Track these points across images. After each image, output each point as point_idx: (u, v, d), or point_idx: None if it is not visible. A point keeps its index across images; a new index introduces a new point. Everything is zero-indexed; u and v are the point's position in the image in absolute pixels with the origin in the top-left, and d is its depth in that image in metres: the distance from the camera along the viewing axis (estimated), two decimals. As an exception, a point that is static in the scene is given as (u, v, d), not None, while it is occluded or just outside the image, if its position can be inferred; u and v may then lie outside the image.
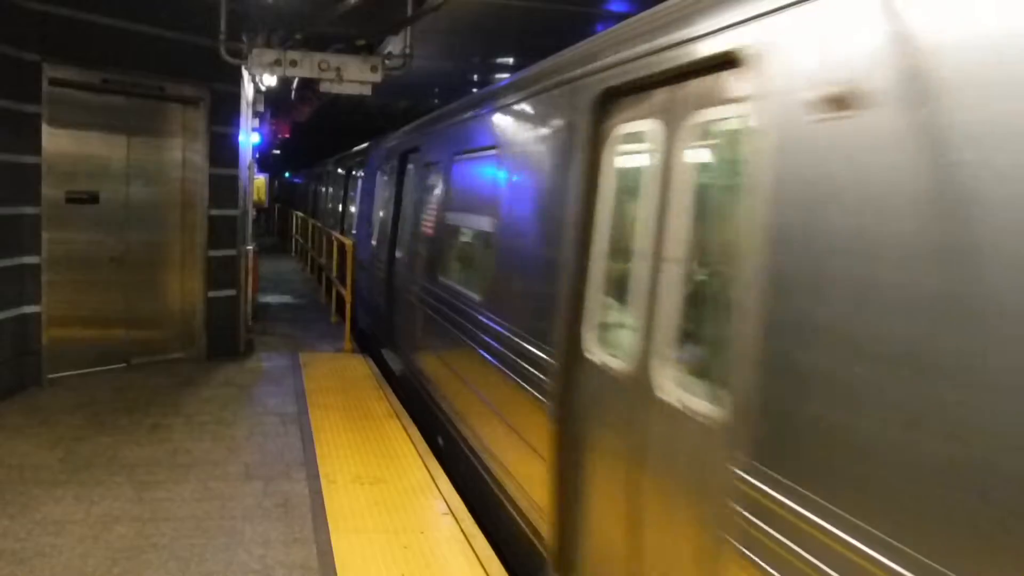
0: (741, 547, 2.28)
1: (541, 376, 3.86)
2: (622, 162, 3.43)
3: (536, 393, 3.93)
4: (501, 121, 5.25)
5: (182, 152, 8.54)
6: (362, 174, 12.23)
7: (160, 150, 8.42)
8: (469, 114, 6.22)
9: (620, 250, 3.33)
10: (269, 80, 10.39)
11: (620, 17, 6.04)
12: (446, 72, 14.00)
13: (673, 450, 2.80)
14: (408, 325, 7.65)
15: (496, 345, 4.71)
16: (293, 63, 7.61)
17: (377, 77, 7.79)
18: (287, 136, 22.85)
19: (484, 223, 5.41)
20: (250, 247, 9.98)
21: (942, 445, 1.69)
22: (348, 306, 9.95)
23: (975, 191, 1.66)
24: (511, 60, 13.10)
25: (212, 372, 8.19)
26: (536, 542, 3.93)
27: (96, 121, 7.82)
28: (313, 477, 5.33)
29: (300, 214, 21.43)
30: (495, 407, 4.74)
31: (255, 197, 14.86)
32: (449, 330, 5.94)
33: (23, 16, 6.95)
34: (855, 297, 1.95)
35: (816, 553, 2.00)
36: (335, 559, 4.18)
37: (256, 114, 10.95)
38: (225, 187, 8.77)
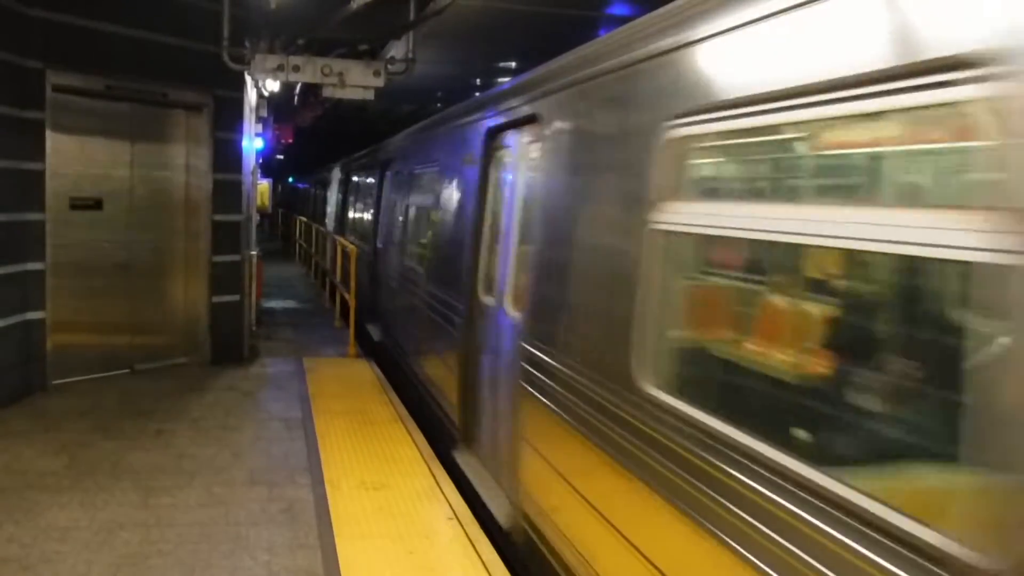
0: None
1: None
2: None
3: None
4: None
5: (185, 158, 8.55)
6: (346, 179, 16.28)
7: (164, 156, 8.43)
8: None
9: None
10: (272, 85, 10.44)
11: (620, 21, 6.06)
12: (448, 76, 14.03)
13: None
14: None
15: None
16: (296, 68, 7.64)
17: (380, 82, 7.81)
18: (290, 141, 22.86)
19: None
20: (254, 252, 9.99)
21: None
22: (352, 311, 9.96)
23: None
24: (513, 64, 13.11)
25: (216, 377, 8.19)
26: (450, 425, 6.03)
27: (100, 127, 7.84)
28: (318, 482, 5.33)
29: (303, 219, 21.48)
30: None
31: (258, 202, 14.91)
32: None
33: (26, 23, 6.96)
34: None
35: None
36: (340, 565, 4.17)
37: (259, 119, 10.98)
38: (228, 192, 8.77)
